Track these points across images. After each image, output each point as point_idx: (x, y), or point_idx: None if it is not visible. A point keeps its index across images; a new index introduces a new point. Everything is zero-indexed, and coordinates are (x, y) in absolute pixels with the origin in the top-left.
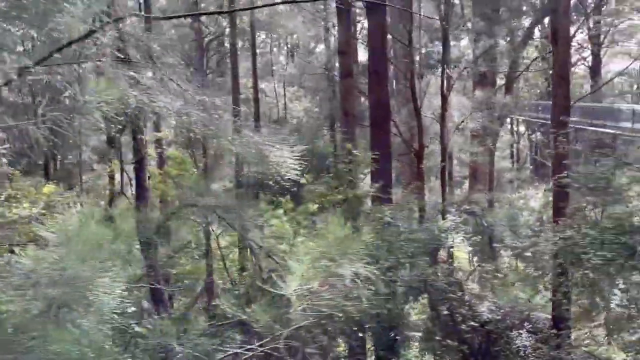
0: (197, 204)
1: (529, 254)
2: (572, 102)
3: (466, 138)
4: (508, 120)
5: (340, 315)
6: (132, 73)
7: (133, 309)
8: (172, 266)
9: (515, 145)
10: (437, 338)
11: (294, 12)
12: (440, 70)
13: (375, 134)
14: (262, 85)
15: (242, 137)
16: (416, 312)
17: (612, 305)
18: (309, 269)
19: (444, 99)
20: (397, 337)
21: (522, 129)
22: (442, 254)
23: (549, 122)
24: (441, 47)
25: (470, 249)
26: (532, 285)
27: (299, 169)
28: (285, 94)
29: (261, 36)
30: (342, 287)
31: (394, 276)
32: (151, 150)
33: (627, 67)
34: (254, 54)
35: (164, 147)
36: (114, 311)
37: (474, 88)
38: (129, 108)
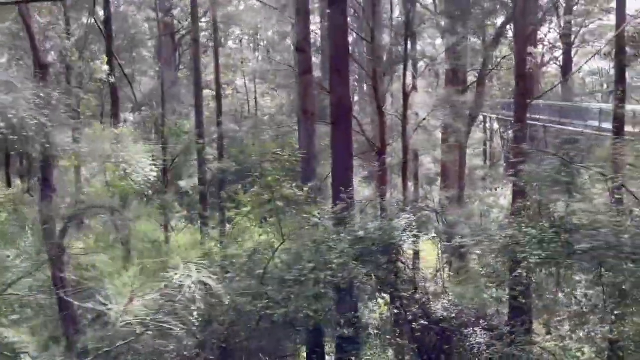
0: (88, 206)
1: (478, 251)
2: (528, 101)
3: (430, 136)
4: (481, 118)
5: (179, 328)
6: None
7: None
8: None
9: (488, 143)
10: (388, 337)
11: (257, 8)
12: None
13: (336, 132)
14: (237, 81)
15: (84, 135)
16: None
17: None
18: (133, 282)
19: (406, 96)
20: (336, 336)
21: (496, 126)
22: (409, 252)
23: None
24: (417, 45)
25: (436, 247)
26: (477, 283)
27: (155, 168)
28: (255, 90)
29: (236, 32)
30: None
31: (317, 277)
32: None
33: (582, 66)
34: (216, 50)
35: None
36: None
37: (446, 86)
38: None
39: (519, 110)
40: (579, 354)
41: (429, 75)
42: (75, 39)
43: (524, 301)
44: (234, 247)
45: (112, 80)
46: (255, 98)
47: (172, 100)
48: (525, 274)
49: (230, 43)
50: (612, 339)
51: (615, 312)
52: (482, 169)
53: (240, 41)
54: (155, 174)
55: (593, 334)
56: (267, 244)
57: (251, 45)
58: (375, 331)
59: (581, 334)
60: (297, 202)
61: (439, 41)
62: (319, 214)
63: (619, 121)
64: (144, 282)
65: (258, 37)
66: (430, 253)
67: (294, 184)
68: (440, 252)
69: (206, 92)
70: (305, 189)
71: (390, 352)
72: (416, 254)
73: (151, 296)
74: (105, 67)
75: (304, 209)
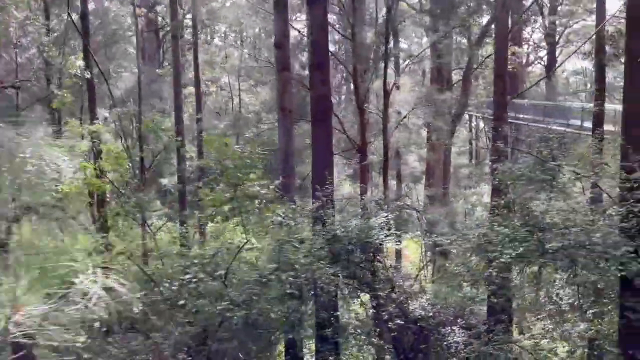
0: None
1: (454, 250)
2: (509, 98)
3: (413, 134)
4: (467, 116)
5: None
6: None
7: None
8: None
9: (474, 141)
10: (364, 337)
11: (240, 5)
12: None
13: (316, 129)
14: (223, 78)
15: None
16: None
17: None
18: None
19: (387, 94)
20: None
21: (481, 125)
22: (390, 251)
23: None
24: (403, 43)
25: (419, 245)
26: (454, 281)
27: (72, 167)
28: (239, 87)
29: (222, 29)
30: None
31: (279, 278)
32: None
33: (560, 65)
34: (195, 47)
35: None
36: None
37: (431, 84)
38: None
39: (498, 109)
40: (551, 354)
41: (416, 74)
42: (56, 35)
43: (495, 300)
44: (200, 247)
45: (88, 76)
46: (239, 95)
47: (153, 97)
48: (496, 273)
49: (216, 40)
50: (589, 337)
51: (591, 311)
52: (468, 168)
53: (225, 38)
54: (73, 170)
55: (568, 333)
56: (235, 244)
57: (238, 42)
58: (353, 331)
59: (559, 332)
60: (265, 200)
61: (425, 39)
62: (284, 212)
63: (597, 120)
64: (38, 291)
65: (244, 34)
66: (415, 252)
67: (256, 182)
68: (423, 250)
69: (190, 89)
70: (272, 187)
71: (368, 352)
72: (398, 252)
73: (42, 306)
74: (80, 63)
75: (269, 208)
